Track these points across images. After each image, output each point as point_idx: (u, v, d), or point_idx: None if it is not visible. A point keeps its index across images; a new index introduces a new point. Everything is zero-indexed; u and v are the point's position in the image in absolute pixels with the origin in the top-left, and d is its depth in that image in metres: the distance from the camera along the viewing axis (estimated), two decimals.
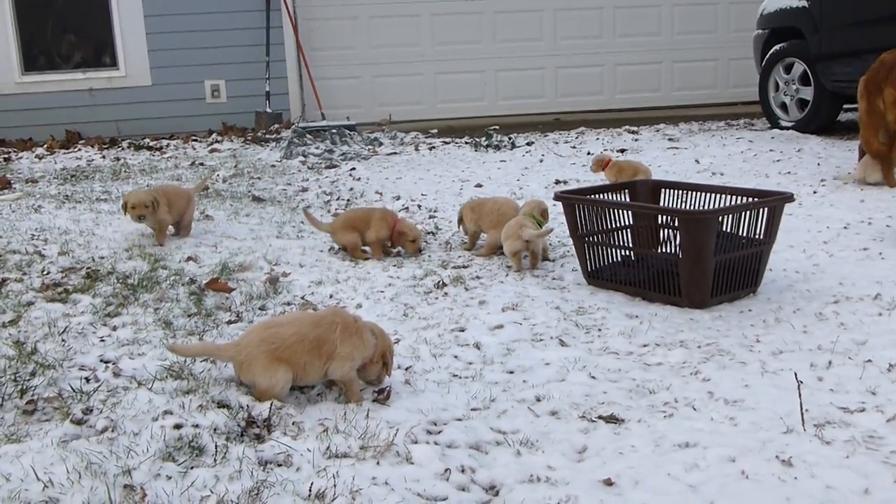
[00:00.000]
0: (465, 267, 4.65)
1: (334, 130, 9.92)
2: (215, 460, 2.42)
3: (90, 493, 2.20)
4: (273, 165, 8.52)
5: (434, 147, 9.71)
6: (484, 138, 9.77)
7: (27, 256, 4.63)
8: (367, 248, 4.92)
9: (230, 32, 11.15)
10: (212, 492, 2.24)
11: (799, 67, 9.22)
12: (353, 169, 8.23)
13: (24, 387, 2.88)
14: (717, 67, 12.72)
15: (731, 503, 2.24)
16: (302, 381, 2.87)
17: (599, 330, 3.61)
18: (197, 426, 2.59)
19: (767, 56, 9.62)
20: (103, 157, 9.58)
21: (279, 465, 2.42)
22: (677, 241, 3.95)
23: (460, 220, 5.06)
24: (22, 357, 3.17)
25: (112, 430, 2.57)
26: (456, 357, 3.32)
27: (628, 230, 4.24)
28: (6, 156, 9.79)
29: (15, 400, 2.79)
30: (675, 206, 4.51)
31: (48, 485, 2.24)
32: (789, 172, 7.11)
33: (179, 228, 5.23)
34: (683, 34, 12.56)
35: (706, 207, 4.33)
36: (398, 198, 6.62)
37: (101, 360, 3.18)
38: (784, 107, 9.61)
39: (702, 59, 12.64)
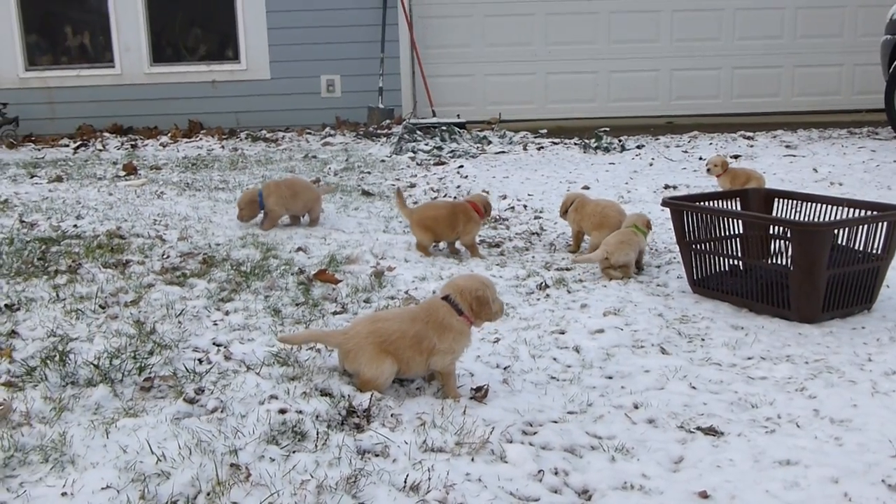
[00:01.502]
0: (568, 269, 4.64)
1: (444, 128, 10.04)
2: (316, 446, 2.51)
3: (199, 469, 2.31)
4: (383, 160, 8.68)
5: (542, 147, 9.69)
6: (593, 140, 9.68)
7: (149, 240, 4.88)
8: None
9: (347, 29, 11.40)
10: (312, 476, 2.33)
11: None
12: (462, 167, 8.30)
13: (143, 364, 3.05)
14: (841, 73, 12.22)
15: None
16: (405, 375, 2.95)
17: (703, 340, 3.55)
18: (300, 412, 2.68)
19: (895, 63, 9.21)
20: (222, 147, 9.96)
21: (376, 455, 2.49)
22: (789, 253, 3.84)
23: (563, 210, 5.06)
24: (141, 336, 3.35)
25: (221, 411, 2.70)
26: (555, 359, 3.33)
27: (737, 239, 4.15)
28: (133, 143, 10.30)
29: (134, 376, 2.96)
30: (788, 216, 4.38)
31: (161, 458, 2.37)
32: None
33: (310, 220, 5.58)
34: (806, 37, 12.11)
35: (821, 219, 4.19)
36: (504, 197, 6.64)
37: (214, 343, 3.34)
38: None
39: (825, 63, 12.15)
